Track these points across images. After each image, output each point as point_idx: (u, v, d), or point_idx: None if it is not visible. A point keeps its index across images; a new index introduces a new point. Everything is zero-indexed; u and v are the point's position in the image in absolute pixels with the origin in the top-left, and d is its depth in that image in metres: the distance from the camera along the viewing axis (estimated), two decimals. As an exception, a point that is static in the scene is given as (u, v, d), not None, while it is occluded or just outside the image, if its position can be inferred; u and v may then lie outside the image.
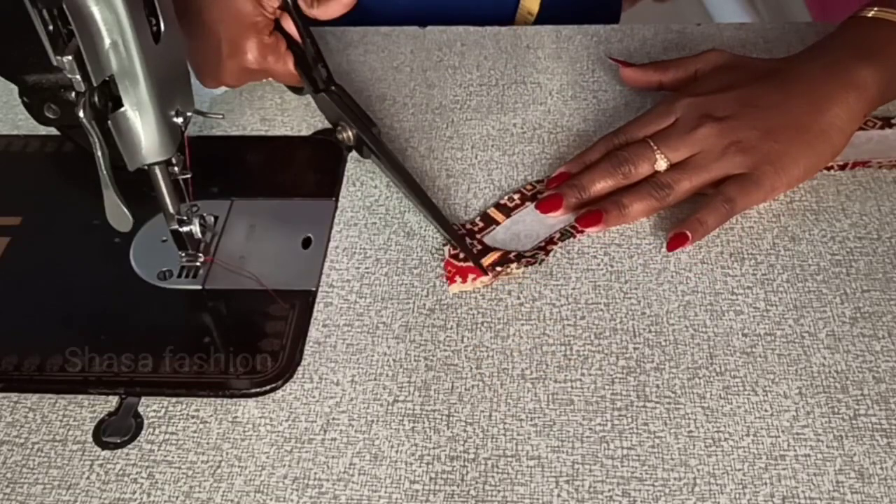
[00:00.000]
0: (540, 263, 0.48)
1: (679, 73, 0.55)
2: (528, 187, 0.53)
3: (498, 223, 0.51)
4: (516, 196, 0.52)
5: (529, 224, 0.51)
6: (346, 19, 0.60)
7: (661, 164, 0.49)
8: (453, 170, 0.55)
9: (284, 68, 0.54)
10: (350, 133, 0.53)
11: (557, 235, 0.50)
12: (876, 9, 0.51)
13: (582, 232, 0.50)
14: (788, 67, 0.52)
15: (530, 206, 0.52)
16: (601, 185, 0.50)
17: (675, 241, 0.48)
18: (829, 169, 0.52)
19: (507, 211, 0.51)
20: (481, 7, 0.70)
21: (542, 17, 0.71)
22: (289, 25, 0.54)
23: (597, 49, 0.63)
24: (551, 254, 0.49)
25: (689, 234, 0.48)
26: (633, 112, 0.58)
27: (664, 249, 0.49)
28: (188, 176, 0.46)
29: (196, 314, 0.48)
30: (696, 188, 0.49)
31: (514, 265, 0.48)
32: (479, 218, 0.51)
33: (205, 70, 0.54)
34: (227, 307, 0.48)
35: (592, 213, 0.49)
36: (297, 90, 0.59)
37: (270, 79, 0.57)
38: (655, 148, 0.49)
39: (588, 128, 0.57)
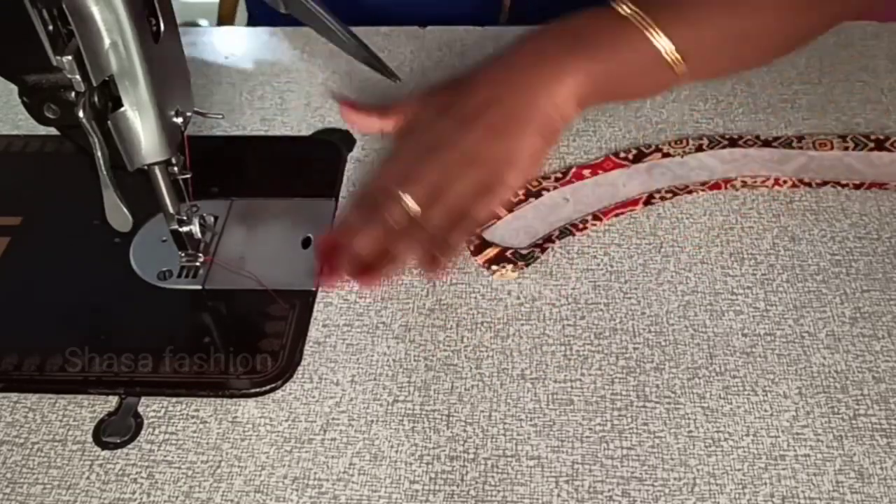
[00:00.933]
0: (533, 261, 0.48)
1: (399, 117, 0.50)
2: (533, 183, 0.53)
3: (499, 217, 0.51)
4: (520, 191, 0.52)
5: (530, 220, 0.51)
6: (346, 19, 0.60)
7: (411, 202, 0.45)
8: (453, 170, 0.55)
9: None
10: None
11: (556, 233, 0.50)
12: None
13: (582, 230, 0.50)
14: (493, 71, 0.48)
15: (533, 201, 0.52)
16: (367, 247, 0.45)
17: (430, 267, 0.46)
18: (843, 186, 0.52)
19: (509, 206, 0.51)
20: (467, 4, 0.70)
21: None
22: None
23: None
24: (548, 251, 0.49)
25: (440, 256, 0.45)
26: (633, 112, 0.58)
27: (664, 249, 0.49)
28: (188, 176, 0.46)
29: (196, 314, 0.48)
30: (454, 214, 0.45)
31: (509, 267, 0.48)
32: None
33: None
34: (226, 307, 0.48)
35: (367, 272, 0.46)
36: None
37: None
38: (398, 189, 0.45)
39: (588, 128, 0.57)
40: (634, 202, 0.51)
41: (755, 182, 0.52)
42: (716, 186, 0.52)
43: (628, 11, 0.45)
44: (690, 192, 0.52)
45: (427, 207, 0.45)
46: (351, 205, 0.50)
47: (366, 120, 0.52)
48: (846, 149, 0.53)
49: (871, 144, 0.53)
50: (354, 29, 0.64)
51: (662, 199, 0.52)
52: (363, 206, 0.47)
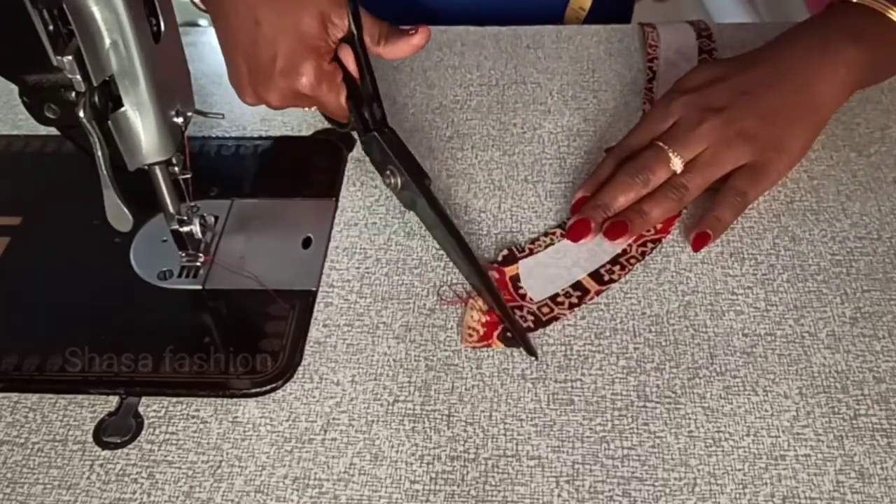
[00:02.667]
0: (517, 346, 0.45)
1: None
2: (551, 232, 0.51)
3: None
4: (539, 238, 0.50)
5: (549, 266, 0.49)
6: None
7: (678, 165, 0.49)
8: (453, 170, 0.55)
9: (336, 100, 0.49)
10: (399, 179, 0.48)
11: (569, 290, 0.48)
12: None
13: (602, 289, 0.47)
14: (774, 52, 0.52)
15: (547, 249, 0.50)
16: (623, 199, 0.49)
17: (699, 241, 0.48)
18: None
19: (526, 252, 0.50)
20: (530, 6, 0.70)
21: (594, 15, 0.70)
22: (347, 58, 0.48)
23: (597, 49, 0.63)
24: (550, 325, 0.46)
25: (710, 232, 0.48)
26: (633, 112, 0.58)
27: (664, 249, 0.49)
28: (188, 176, 0.46)
29: (196, 314, 0.48)
30: (709, 184, 0.49)
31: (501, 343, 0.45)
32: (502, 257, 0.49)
33: (250, 84, 0.49)
34: (227, 307, 0.48)
35: (616, 224, 0.48)
36: (340, 125, 0.52)
37: (314, 108, 0.51)
38: (668, 149, 0.49)
39: (588, 128, 0.57)
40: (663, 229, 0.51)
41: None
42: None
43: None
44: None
45: (689, 171, 0.49)
46: (608, 159, 0.52)
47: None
48: None
49: None
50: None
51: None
52: (621, 159, 0.51)
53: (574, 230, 0.49)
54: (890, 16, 0.50)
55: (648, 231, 0.50)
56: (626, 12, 0.80)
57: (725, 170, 0.49)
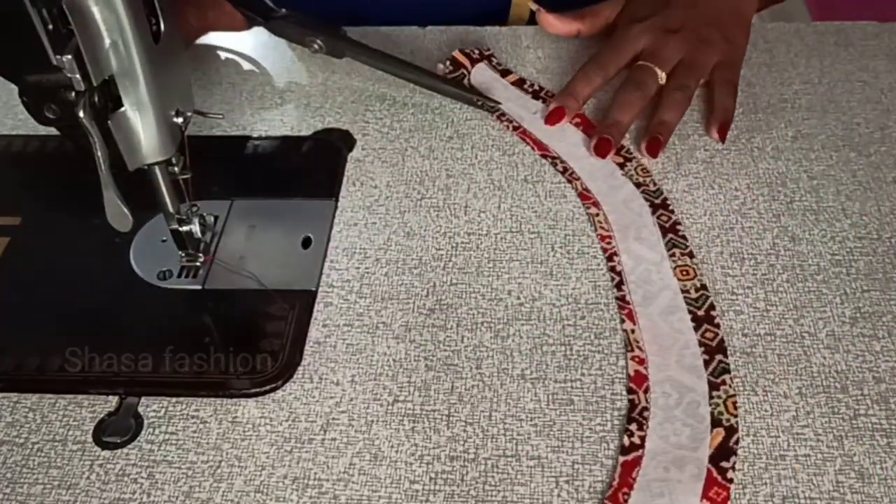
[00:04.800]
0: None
1: (597, 19, 0.61)
2: None
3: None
4: None
5: None
6: (346, 19, 0.60)
7: (663, 77, 0.56)
8: (453, 170, 0.55)
9: (225, 18, 0.56)
10: (322, 40, 0.57)
11: None
12: None
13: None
14: None
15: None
16: (632, 115, 0.55)
17: (723, 131, 0.55)
18: None
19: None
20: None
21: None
22: None
23: (597, 49, 0.63)
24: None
25: (728, 120, 0.55)
26: (633, 112, 0.57)
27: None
28: (188, 176, 0.46)
29: (196, 314, 0.48)
30: (700, 82, 0.57)
31: None
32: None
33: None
34: (227, 307, 0.48)
35: (651, 141, 0.54)
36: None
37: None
38: (653, 66, 0.56)
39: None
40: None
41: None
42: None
43: None
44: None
45: (677, 75, 0.56)
46: (583, 78, 0.57)
47: (565, 25, 0.61)
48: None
49: None
50: (355, 28, 0.64)
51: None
52: (602, 79, 0.57)
53: (599, 147, 0.54)
54: None
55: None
56: None
57: (707, 69, 0.57)
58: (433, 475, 0.40)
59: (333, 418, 0.43)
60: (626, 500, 0.38)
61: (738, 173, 0.53)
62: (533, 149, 0.55)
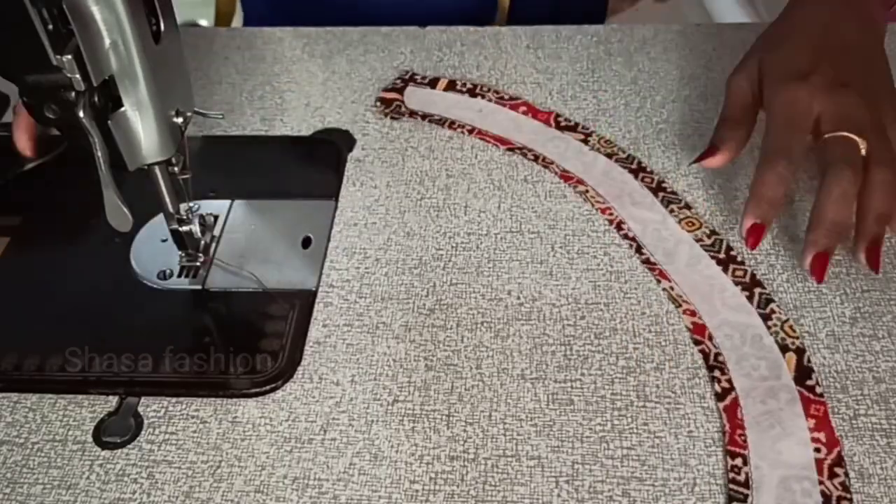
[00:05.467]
0: None
1: (748, 111, 0.49)
2: None
3: None
4: None
5: None
6: (347, 19, 0.60)
7: (864, 147, 0.44)
8: (453, 170, 0.55)
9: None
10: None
11: None
12: None
13: None
14: (813, 19, 0.50)
15: None
16: (847, 211, 0.43)
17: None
18: None
19: None
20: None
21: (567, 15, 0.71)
22: None
23: (597, 49, 0.63)
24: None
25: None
26: (633, 112, 0.58)
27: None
28: (188, 176, 0.46)
29: (196, 314, 0.48)
30: None
31: None
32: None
33: None
34: (227, 307, 0.48)
35: (873, 246, 0.43)
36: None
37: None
38: (855, 137, 0.44)
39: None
40: None
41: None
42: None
43: None
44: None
45: (876, 145, 0.44)
46: (769, 169, 0.44)
47: (733, 149, 0.48)
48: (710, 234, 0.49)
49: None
50: (355, 28, 0.64)
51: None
52: (788, 171, 0.44)
53: (817, 268, 0.43)
54: None
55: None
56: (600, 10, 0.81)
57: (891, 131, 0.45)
58: (433, 475, 0.40)
59: (333, 418, 0.43)
60: (744, 440, 0.40)
61: (738, 173, 0.53)
62: (497, 146, 0.55)
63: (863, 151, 0.44)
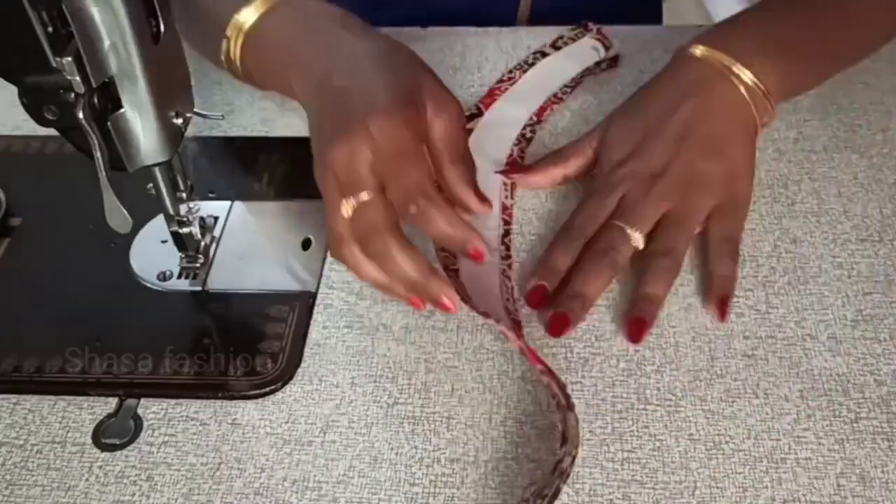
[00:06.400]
0: None
1: (579, 159, 0.52)
2: None
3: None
4: None
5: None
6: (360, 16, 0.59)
7: (639, 240, 0.46)
8: (454, 171, 0.55)
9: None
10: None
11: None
12: (701, 48, 0.51)
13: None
14: (667, 87, 0.51)
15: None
16: (597, 286, 0.46)
17: (722, 308, 0.45)
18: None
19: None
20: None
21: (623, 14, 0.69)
22: None
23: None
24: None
25: (727, 293, 0.46)
26: (635, 113, 0.57)
27: (665, 251, 0.49)
28: (188, 177, 0.46)
29: (196, 315, 0.48)
30: (691, 240, 0.48)
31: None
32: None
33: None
34: (226, 308, 0.48)
35: (635, 322, 0.45)
36: None
37: None
38: (625, 226, 0.46)
39: (589, 128, 0.57)
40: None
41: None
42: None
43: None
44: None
45: (664, 236, 0.47)
46: (558, 246, 0.47)
47: (548, 175, 0.52)
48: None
49: None
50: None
51: None
52: (575, 245, 0.47)
53: (555, 324, 0.45)
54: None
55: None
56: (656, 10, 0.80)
57: (701, 218, 0.47)
58: (433, 478, 0.40)
59: (333, 420, 0.43)
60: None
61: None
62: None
63: (634, 242, 0.46)
